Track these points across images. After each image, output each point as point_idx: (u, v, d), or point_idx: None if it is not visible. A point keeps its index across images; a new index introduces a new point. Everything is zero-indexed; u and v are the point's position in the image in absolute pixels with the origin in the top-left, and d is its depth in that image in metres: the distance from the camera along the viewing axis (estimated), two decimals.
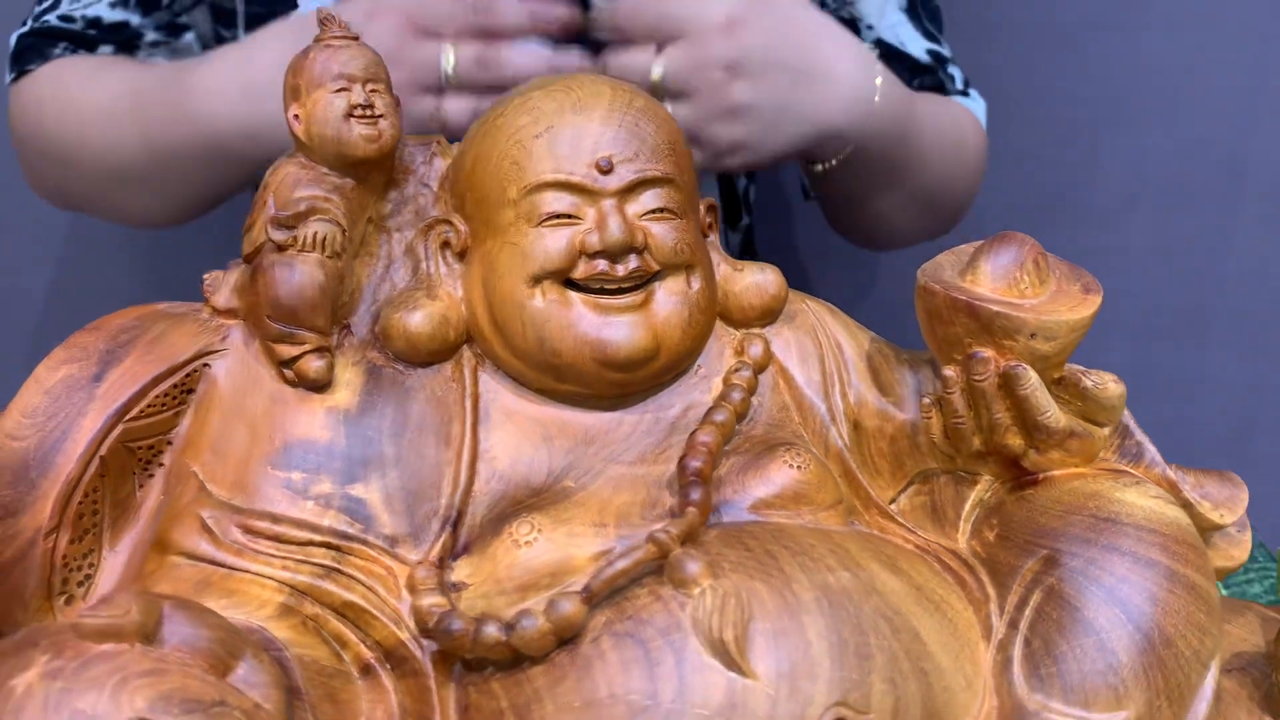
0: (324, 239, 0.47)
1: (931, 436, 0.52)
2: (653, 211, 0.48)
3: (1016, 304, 0.49)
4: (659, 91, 0.69)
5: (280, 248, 0.47)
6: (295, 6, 0.77)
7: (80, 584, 0.46)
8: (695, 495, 0.46)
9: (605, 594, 0.42)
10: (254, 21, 0.78)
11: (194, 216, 0.83)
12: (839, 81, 0.73)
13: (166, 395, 0.48)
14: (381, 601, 0.45)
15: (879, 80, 0.76)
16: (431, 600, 0.44)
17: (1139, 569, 0.46)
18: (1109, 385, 0.50)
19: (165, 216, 0.83)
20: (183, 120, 0.72)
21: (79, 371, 0.47)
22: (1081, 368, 0.50)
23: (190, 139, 0.72)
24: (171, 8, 0.83)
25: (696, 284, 0.50)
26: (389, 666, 0.45)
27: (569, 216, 0.48)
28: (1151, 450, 0.53)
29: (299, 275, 0.47)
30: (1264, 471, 1.35)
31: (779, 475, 0.49)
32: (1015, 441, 0.50)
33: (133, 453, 0.47)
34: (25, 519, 0.45)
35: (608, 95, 0.49)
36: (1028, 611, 0.47)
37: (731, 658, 0.41)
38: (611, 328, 0.48)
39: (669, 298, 0.49)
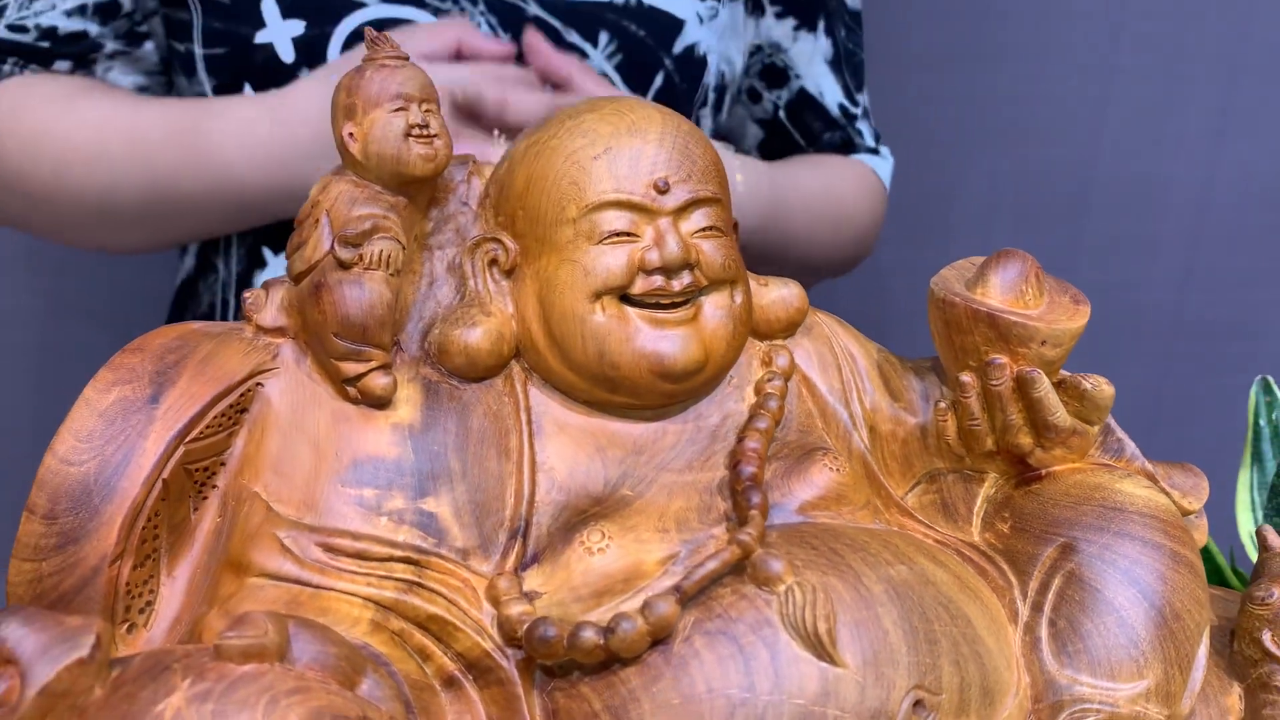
0: (389, 256, 0.48)
1: (945, 438, 0.56)
2: (703, 229, 0.51)
3: (1028, 314, 0.54)
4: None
5: (345, 265, 0.47)
6: (262, 25, 0.76)
7: (141, 610, 0.45)
8: (755, 499, 0.49)
9: (695, 594, 0.44)
10: (211, 37, 0.76)
11: (184, 246, 0.82)
12: None
13: (223, 416, 0.47)
14: (463, 613, 0.46)
15: (739, 177, 0.80)
16: (520, 609, 0.45)
17: (1148, 551, 0.51)
18: (1104, 387, 0.55)
19: (151, 247, 0.80)
20: (204, 173, 0.71)
21: (133, 393, 0.46)
22: (1078, 373, 0.55)
23: (212, 191, 0.71)
24: (131, 16, 0.80)
25: (739, 298, 0.52)
26: (472, 677, 0.45)
27: (629, 234, 0.49)
28: (1131, 445, 0.58)
29: (369, 293, 0.47)
30: None
31: (820, 478, 0.52)
32: (1025, 440, 0.54)
33: (190, 475, 0.46)
34: (88, 546, 0.44)
35: (659, 119, 0.51)
36: (1050, 595, 0.51)
37: (824, 649, 0.43)
38: (667, 341, 0.50)
39: (716, 311, 0.51)
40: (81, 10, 0.79)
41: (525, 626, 0.44)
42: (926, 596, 0.47)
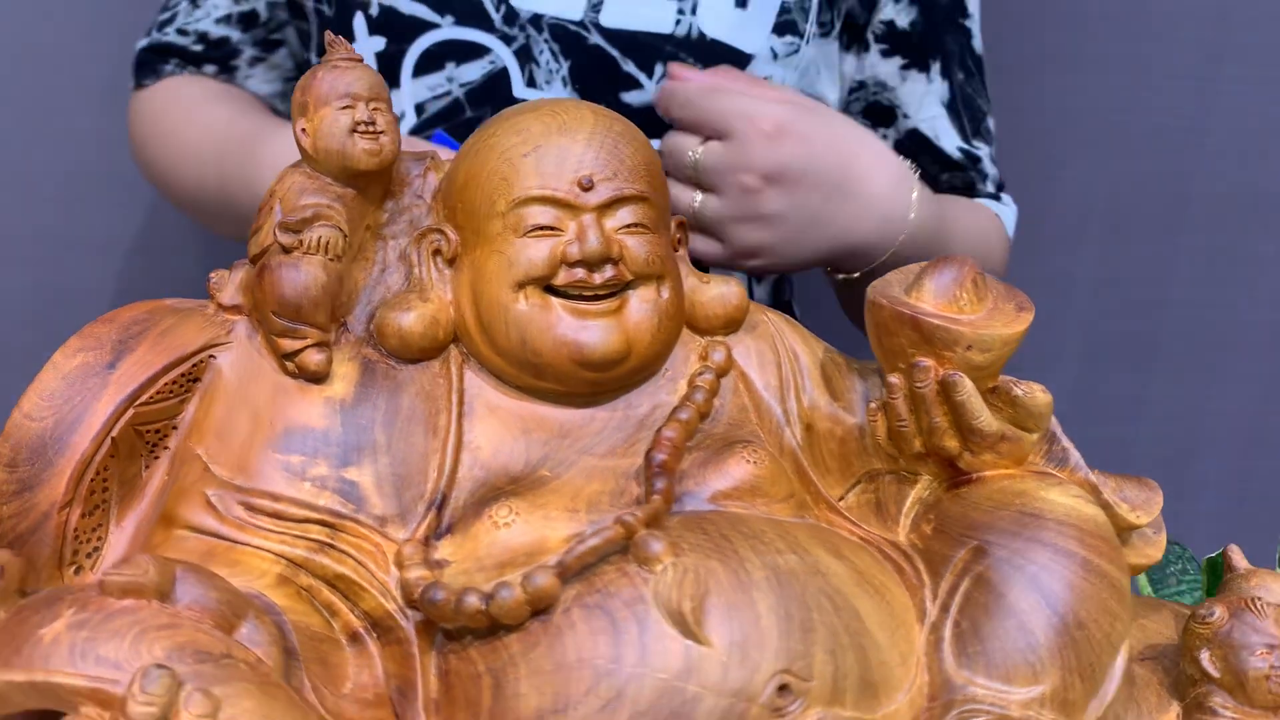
0: (327, 242, 0.51)
1: (877, 438, 0.56)
2: (628, 226, 0.53)
3: (955, 318, 0.54)
4: (695, 178, 0.73)
5: (287, 250, 0.51)
6: (353, 39, 0.82)
7: (89, 555, 0.50)
8: (660, 485, 0.51)
9: (577, 569, 0.47)
10: (321, 49, 0.83)
11: None
12: (873, 199, 0.75)
13: (174, 383, 0.52)
14: (370, 575, 0.49)
15: (915, 195, 0.77)
16: (418, 573, 0.48)
17: (1058, 559, 0.51)
18: (1037, 394, 0.55)
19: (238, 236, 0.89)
20: (247, 184, 0.78)
21: (94, 359, 0.51)
22: (1013, 379, 0.55)
23: (251, 203, 0.77)
24: (267, 25, 0.90)
25: (666, 293, 0.54)
26: (376, 635, 0.49)
27: (552, 228, 0.52)
28: (1075, 455, 0.58)
29: (304, 276, 0.51)
30: (1201, 491, 1.41)
31: (736, 470, 0.53)
32: (951, 443, 0.55)
33: (141, 436, 0.51)
34: (42, 493, 0.49)
35: (590, 120, 0.53)
36: (958, 597, 0.52)
37: (689, 627, 0.45)
38: (588, 331, 0.52)
39: (641, 305, 0.54)
40: (228, 19, 0.89)
41: (420, 589, 0.47)
42: (811, 586, 0.48)
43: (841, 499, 0.58)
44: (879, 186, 0.76)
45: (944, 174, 0.90)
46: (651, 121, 0.80)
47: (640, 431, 0.55)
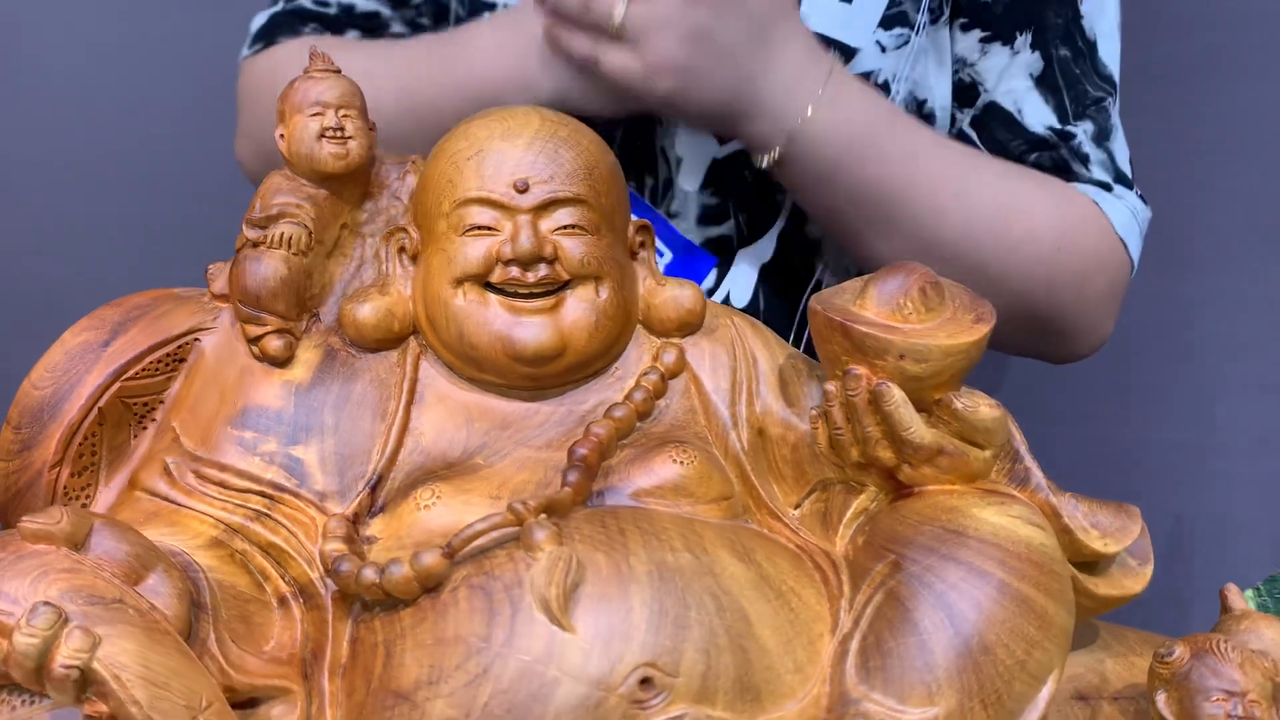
0: (289, 238, 0.56)
1: (819, 446, 0.56)
2: (565, 227, 0.55)
3: (890, 327, 0.53)
4: (620, 35, 0.72)
5: (255, 244, 0.56)
6: (492, 7, 0.85)
7: None
8: (572, 477, 0.52)
9: (464, 550, 0.49)
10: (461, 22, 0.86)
11: None
12: (785, 61, 0.74)
13: (160, 362, 0.57)
14: (300, 545, 0.53)
15: (822, 90, 0.75)
16: (333, 546, 0.51)
17: (970, 578, 0.49)
18: (980, 409, 0.53)
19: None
20: (450, 76, 0.80)
21: (94, 337, 0.57)
22: (959, 391, 0.54)
23: (457, 92, 0.80)
24: (418, 9, 0.92)
25: (605, 294, 0.56)
26: (301, 601, 0.53)
27: (489, 228, 0.55)
28: (1038, 476, 0.55)
29: (264, 268, 0.56)
30: None
31: (661, 468, 0.54)
32: (885, 454, 0.54)
33: (129, 408, 0.57)
34: (37, 453, 0.56)
35: (535, 125, 0.56)
36: (869, 610, 0.51)
37: (553, 613, 0.46)
38: (521, 327, 0.55)
39: (578, 304, 0.55)
40: None
41: (331, 561, 0.51)
42: (696, 585, 0.49)
43: (798, 506, 0.58)
44: (793, 52, 0.75)
45: (1031, 153, 0.83)
46: None
47: (581, 427, 0.57)
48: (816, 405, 0.56)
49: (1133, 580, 0.56)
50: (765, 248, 0.85)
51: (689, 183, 0.83)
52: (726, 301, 0.84)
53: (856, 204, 0.78)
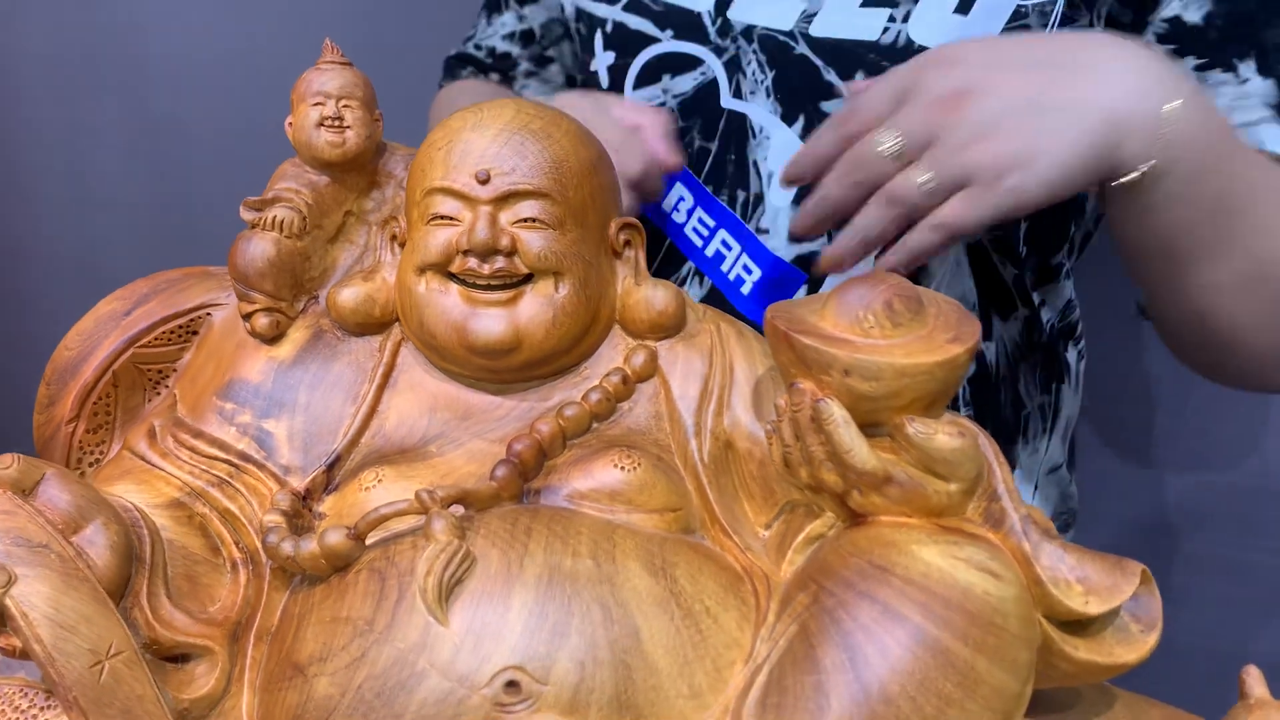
0: (282, 221, 0.58)
1: (775, 461, 0.52)
2: (525, 220, 0.54)
3: (838, 340, 0.49)
4: (900, 157, 0.63)
5: (251, 226, 0.59)
6: (594, 54, 0.89)
7: (91, 464, 0.61)
8: (500, 472, 0.52)
9: (369, 532, 0.49)
10: (578, 65, 0.93)
11: None
12: (1114, 68, 0.62)
13: (173, 332, 0.61)
14: (254, 514, 0.55)
15: (1175, 80, 0.62)
16: (270, 518, 0.53)
17: (884, 621, 0.45)
18: (937, 436, 0.48)
19: None
20: None
21: (120, 307, 0.62)
22: (915, 416, 0.49)
23: None
24: (541, 42, 1.02)
25: (564, 290, 0.55)
26: (250, 567, 0.55)
27: (451, 218, 0.55)
28: (1013, 518, 0.50)
29: (254, 248, 0.58)
30: None
31: (601, 472, 0.53)
32: (830, 477, 0.50)
33: (143, 373, 0.61)
34: (58, 409, 0.61)
35: (507, 116, 0.55)
36: (781, 641, 0.47)
37: (428, 603, 0.46)
38: (476, 318, 0.55)
39: (535, 299, 0.55)
40: (510, 36, 1.02)
41: (264, 532, 0.53)
42: (588, 594, 0.47)
43: (768, 526, 0.54)
44: (1120, 60, 0.62)
45: None
46: None
47: None
48: (772, 420, 0.53)
49: (1127, 648, 0.49)
50: (862, 270, 0.80)
51: (781, 198, 0.80)
52: None
53: (1197, 223, 0.66)
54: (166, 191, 1.37)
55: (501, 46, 1.02)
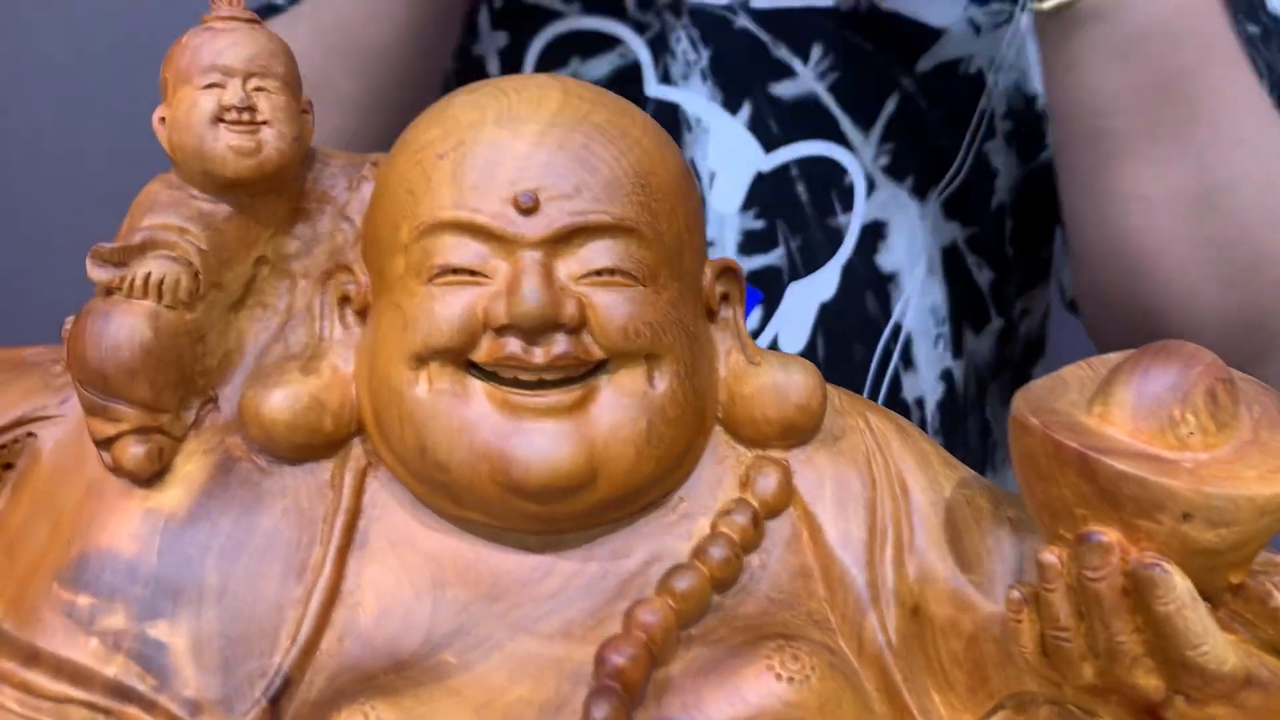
0: (159, 282, 0.35)
1: (1022, 648, 0.33)
2: (598, 273, 0.33)
3: (1167, 460, 0.30)
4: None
5: (107, 291, 0.35)
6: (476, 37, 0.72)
7: None
8: (600, 713, 0.30)
9: None
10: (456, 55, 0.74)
11: None
12: None
13: None
14: None
15: None
16: None
17: None
18: None
19: None
20: None
21: None
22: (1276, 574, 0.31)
23: None
24: None
25: (664, 382, 0.34)
26: None
27: (472, 273, 0.33)
28: None
29: (115, 330, 0.35)
30: None
31: (755, 689, 0.32)
32: (1149, 682, 0.31)
33: None
34: None
35: (553, 104, 0.34)
36: None
37: None
38: (524, 436, 0.33)
39: (618, 400, 0.33)
40: None
41: None
42: None
43: None
44: None
45: None
46: (802, 115, 0.66)
47: (620, 600, 0.35)
48: (1019, 582, 0.33)
49: None
50: (825, 282, 0.67)
51: (726, 203, 0.66)
52: (774, 347, 0.64)
53: (1136, 101, 0.55)
54: None
55: None
